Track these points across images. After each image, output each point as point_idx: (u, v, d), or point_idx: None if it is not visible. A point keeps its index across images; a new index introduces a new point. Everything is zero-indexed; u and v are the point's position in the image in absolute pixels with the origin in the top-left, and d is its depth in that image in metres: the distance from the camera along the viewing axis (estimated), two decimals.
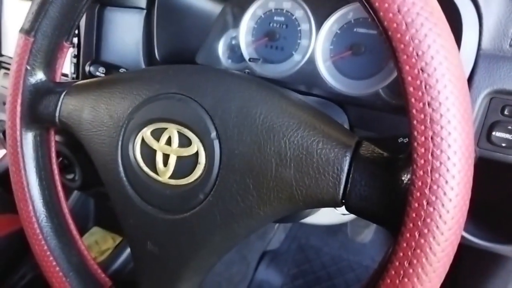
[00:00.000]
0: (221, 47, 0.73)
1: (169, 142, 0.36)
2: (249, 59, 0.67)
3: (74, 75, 0.66)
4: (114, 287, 0.47)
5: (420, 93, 0.26)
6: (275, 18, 0.69)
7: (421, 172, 0.26)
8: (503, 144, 0.47)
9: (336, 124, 0.34)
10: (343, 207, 0.32)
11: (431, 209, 0.26)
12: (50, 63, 0.45)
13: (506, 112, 0.46)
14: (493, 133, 0.47)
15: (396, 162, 0.30)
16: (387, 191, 0.29)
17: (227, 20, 0.72)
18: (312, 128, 0.32)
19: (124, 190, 0.38)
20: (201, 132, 0.35)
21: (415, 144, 0.27)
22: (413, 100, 0.27)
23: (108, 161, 0.39)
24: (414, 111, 0.27)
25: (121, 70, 0.58)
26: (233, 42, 0.72)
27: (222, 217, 0.35)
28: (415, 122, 0.27)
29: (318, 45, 0.65)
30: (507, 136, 0.46)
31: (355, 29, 0.62)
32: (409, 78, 0.27)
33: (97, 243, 1.00)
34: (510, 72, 0.44)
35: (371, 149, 0.32)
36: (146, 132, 0.37)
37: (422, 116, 0.26)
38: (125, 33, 0.63)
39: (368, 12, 0.29)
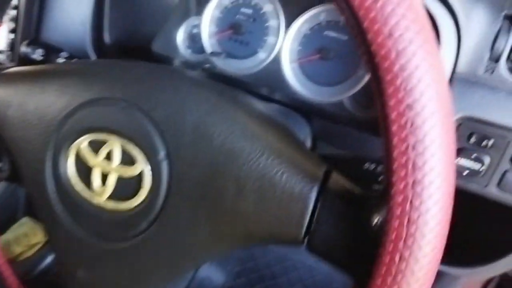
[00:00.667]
0: (181, 35, 0.66)
1: (109, 157, 0.31)
2: (211, 53, 0.61)
3: (10, 53, 0.57)
4: None
5: (404, 134, 0.23)
6: (242, 10, 0.63)
7: (396, 224, 0.23)
8: (465, 173, 0.45)
9: (303, 149, 0.30)
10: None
11: (404, 264, 0.23)
12: None
13: (472, 140, 0.44)
14: (457, 159, 0.45)
15: (366, 201, 0.27)
16: (355, 235, 0.26)
17: (189, 6, 0.66)
18: (277, 155, 0.28)
19: (52, 208, 0.33)
20: (148, 150, 0.30)
21: (393, 190, 0.24)
22: (395, 140, 0.23)
23: (34, 172, 0.33)
24: (395, 153, 0.23)
25: (62, 53, 0.50)
26: (194, 30, 0.66)
27: (168, 250, 0.30)
28: (395, 165, 0.23)
29: (285, 45, 0.60)
30: (471, 164, 0.45)
31: (325, 32, 0.58)
32: (394, 115, 0.23)
33: (26, 236, 0.91)
34: (481, 99, 0.43)
35: (340, 183, 0.28)
36: (83, 142, 0.31)
37: (404, 160, 0.23)
38: (72, 8, 0.55)
39: (352, 29, 0.25)
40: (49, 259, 0.81)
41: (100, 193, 0.31)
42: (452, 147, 0.24)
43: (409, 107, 0.23)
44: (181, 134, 0.29)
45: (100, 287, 0.33)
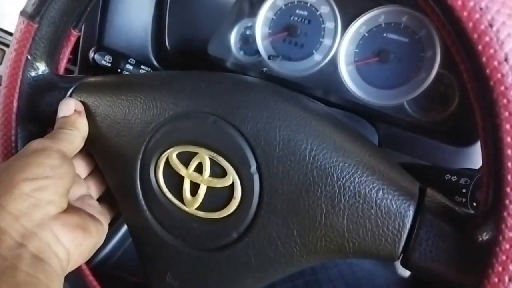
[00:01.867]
0: (234, 37, 0.67)
1: (199, 169, 0.31)
2: (269, 57, 0.61)
3: (71, 56, 0.59)
4: None
5: None
6: (297, 11, 0.63)
7: (508, 246, 0.23)
8: None
9: (395, 165, 0.30)
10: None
11: None
12: (54, 53, 0.39)
13: None
14: None
15: (468, 220, 0.27)
16: (458, 254, 0.26)
17: (243, 8, 0.66)
18: (371, 172, 0.28)
19: (142, 215, 0.34)
20: (238, 163, 0.30)
21: (505, 214, 0.23)
22: (510, 164, 0.23)
23: (124, 181, 0.34)
24: (509, 177, 0.23)
25: (131, 60, 0.51)
26: (248, 32, 0.66)
27: (257, 261, 0.31)
28: (508, 189, 0.23)
29: (342, 47, 0.60)
30: None
31: (385, 34, 0.57)
32: (509, 139, 0.23)
33: None
34: None
35: (437, 200, 0.28)
36: (172, 154, 0.32)
37: None
38: (133, 15, 0.56)
39: (457, 52, 0.25)
40: (100, 255, 0.84)
41: (191, 203, 0.31)
42: None
43: None
44: (272, 149, 0.30)
45: None
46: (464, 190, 0.35)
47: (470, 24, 0.23)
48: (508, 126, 0.23)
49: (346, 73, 0.60)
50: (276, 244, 0.30)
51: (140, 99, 0.34)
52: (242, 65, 0.65)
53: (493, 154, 0.24)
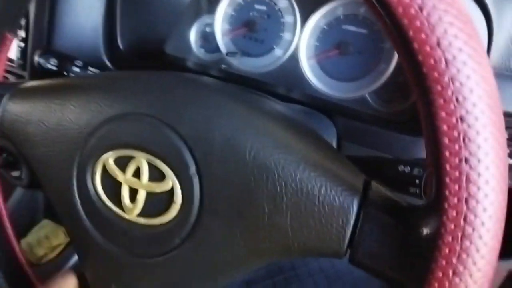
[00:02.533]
0: (194, 35, 0.65)
1: (137, 174, 0.30)
2: (227, 53, 0.60)
3: (21, 61, 0.56)
4: None
5: (457, 147, 0.22)
6: (256, 6, 0.62)
7: (450, 239, 0.22)
8: None
9: (339, 158, 0.29)
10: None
11: (457, 280, 0.22)
12: None
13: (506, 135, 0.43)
14: None
15: (412, 213, 0.26)
16: (401, 250, 0.25)
17: (201, 5, 0.64)
18: (313, 168, 0.27)
19: (82, 225, 0.32)
20: (177, 166, 0.29)
21: (445, 204, 0.22)
22: (447, 153, 0.22)
23: (61, 190, 0.32)
24: (447, 166, 0.22)
25: (77, 62, 0.49)
26: (207, 29, 0.65)
27: (202, 265, 0.29)
28: (447, 179, 0.22)
29: (302, 41, 0.59)
30: None
31: (343, 26, 0.56)
32: (445, 127, 0.22)
33: (47, 238, 0.91)
34: None
35: (382, 193, 0.27)
36: (108, 159, 0.30)
37: (457, 174, 0.22)
38: (82, 17, 0.53)
39: (391, 36, 0.24)
40: (72, 260, 0.81)
41: (131, 210, 0.30)
42: (505, 157, 0.23)
43: (461, 119, 0.21)
44: (211, 150, 0.28)
45: None
46: (417, 181, 0.34)
47: (400, 9, 0.22)
48: (443, 114, 0.22)
49: (308, 67, 0.59)
50: (220, 248, 0.28)
51: (73, 102, 0.32)
52: (202, 63, 0.64)
53: (433, 143, 0.23)
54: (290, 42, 0.59)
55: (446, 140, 0.22)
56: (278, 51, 0.61)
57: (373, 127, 0.47)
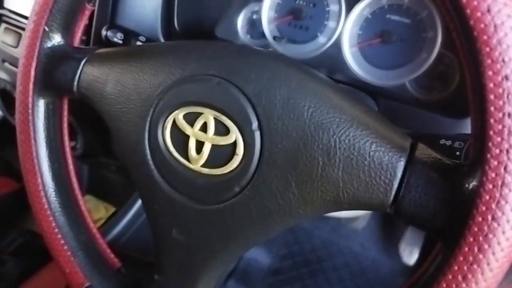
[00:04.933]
0: (241, 21, 0.69)
1: (204, 128, 0.33)
2: (274, 38, 0.63)
3: (84, 37, 0.61)
4: (123, 269, 0.45)
5: (501, 102, 0.24)
6: None
7: (491, 186, 0.25)
8: None
9: (388, 123, 0.32)
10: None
11: (496, 224, 0.25)
12: (69, 26, 0.41)
13: None
14: None
15: (456, 170, 0.28)
16: (446, 200, 0.27)
17: None
18: (365, 127, 0.30)
19: (150, 174, 0.36)
20: (241, 122, 0.32)
21: (488, 155, 0.25)
22: (492, 108, 0.25)
23: (133, 142, 0.36)
24: (491, 120, 0.25)
25: (141, 37, 0.54)
26: (254, 16, 0.68)
27: (258, 212, 0.32)
28: (491, 132, 0.25)
29: (346, 29, 0.61)
30: None
31: (387, 16, 0.59)
32: (491, 85, 0.24)
33: (89, 212, 0.97)
34: None
35: (428, 153, 0.30)
36: (179, 115, 0.34)
37: (500, 127, 0.24)
38: None
39: (444, 7, 0.27)
40: (112, 234, 0.87)
41: (196, 160, 0.33)
42: None
43: (506, 77, 0.24)
44: (272, 107, 0.31)
45: (193, 245, 0.36)
46: (458, 153, 0.36)
47: None
48: (490, 73, 0.24)
49: (350, 55, 0.61)
50: (276, 196, 0.32)
51: (149, 65, 0.36)
52: None
53: (478, 101, 0.25)
54: (334, 30, 0.62)
55: (491, 97, 0.24)
56: (321, 39, 0.63)
57: (413, 108, 0.50)
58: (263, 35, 0.67)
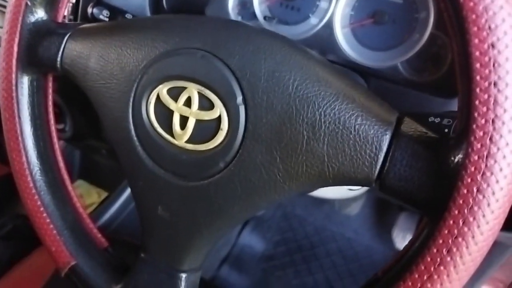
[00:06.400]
0: (232, 2, 0.68)
1: (188, 103, 0.33)
2: (264, 17, 0.62)
3: (71, 16, 0.60)
4: (111, 248, 0.45)
5: (487, 71, 0.24)
6: None
7: (476, 157, 0.25)
8: None
9: (374, 97, 0.31)
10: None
11: (481, 196, 0.25)
12: (53, 1, 0.40)
13: None
14: None
15: (442, 143, 0.28)
16: (431, 173, 0.27)
17: None
18: (350, 101, 0.29)
19: (135, 150, 0.35)
20: (225, 96, 0.32)
21: (474, 126, 0.25)
22: (478, 77, 0.24)
23: (117, 118, 0.36)
24: (477, 89, 0.24)
25: (127, 15, 0.53)
26: None
27: (243, 188, 0.32)
28: (477, 102, 0.24)
29: (337, 10, 0.60)
30: None
31: None
32: (477, 53, 0.24)
33: (81, 197, 0.97)
34: None
35: (413, 126, 0.29)
36: (162, 89, 0.33)
37: (486, 96, 0.24)
38: None
39: None
40: (103, 219, 0.86)
41: (180, 136, 0.33)
42: None
43: (493, 45, 0.24)
44: (257, 80, 0.31)
45: (178, 222, 0.35)
46: (446, 130, 0.36)
47: None
48: (476, 41, 0.24)
49: (342, 36, 0.60)
50: (260, 171, 0.31)
51: (132, 39, 0.35)
52: None
53: (464, 70, 0.25)
54: (326, 11, 0.61)
55: (477, 65, 0.24)
56: (313, 20, 0.63)
57: (404, 88, 0.49)
58: (254, 16, 0.66)
